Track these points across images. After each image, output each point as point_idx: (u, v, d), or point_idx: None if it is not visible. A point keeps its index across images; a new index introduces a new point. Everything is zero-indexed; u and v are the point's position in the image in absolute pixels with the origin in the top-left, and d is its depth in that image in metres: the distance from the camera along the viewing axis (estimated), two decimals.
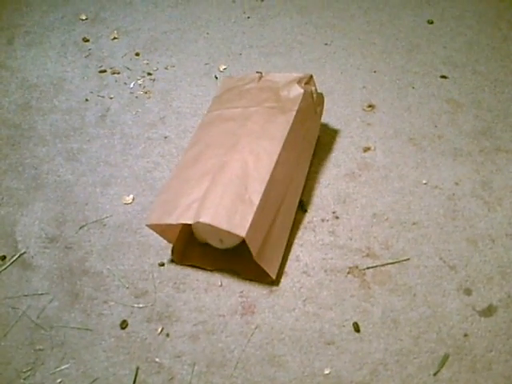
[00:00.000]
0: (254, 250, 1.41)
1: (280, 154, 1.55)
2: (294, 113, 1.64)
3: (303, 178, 1.72)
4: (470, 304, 1.49)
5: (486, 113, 1.95)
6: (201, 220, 1.40)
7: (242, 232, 1.38)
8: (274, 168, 1.51)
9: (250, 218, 1.40)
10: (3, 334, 1.44)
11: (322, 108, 1.82)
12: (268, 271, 1.48)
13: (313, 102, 1.74)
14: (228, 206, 1.42)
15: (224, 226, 1.39)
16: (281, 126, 1.61)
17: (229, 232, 1.39)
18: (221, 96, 1.78)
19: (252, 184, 1.47)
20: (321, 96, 1.80)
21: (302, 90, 1.69)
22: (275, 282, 1.53)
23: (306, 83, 1.73)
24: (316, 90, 1.76)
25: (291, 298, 1.50)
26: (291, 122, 1.62)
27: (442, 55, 2.16)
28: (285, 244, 1.58)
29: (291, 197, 1.61)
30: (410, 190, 1.73)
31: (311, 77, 1.77)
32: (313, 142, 1.80)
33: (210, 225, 1.40)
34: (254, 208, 1.42)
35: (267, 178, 1.48)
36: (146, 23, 2.31)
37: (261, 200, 1.44)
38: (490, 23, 2.29)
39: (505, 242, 1.61)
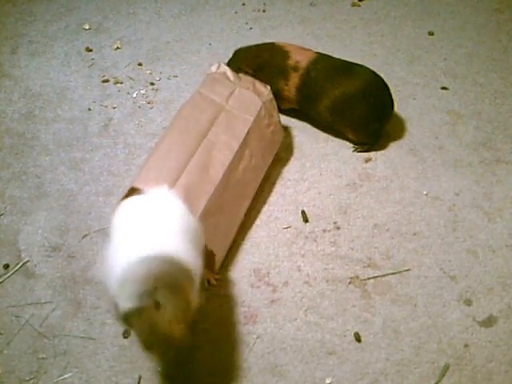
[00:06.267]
0: None
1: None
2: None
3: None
4: (470, 314, 1.50)
5: (486, 124, 1.97)
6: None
7: None
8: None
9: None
10: (6, 342, 1.45)
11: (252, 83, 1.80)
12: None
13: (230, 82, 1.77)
14: None
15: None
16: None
17: None
18: None
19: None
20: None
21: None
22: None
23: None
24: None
25: (293, 308, 1.51)
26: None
27: (443, 67, 2.18)
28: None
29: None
30: (411, 201, 1.74)
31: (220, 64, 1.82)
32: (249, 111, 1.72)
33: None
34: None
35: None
36: (149, 33, 2.32)
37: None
38: (490, 35, 2.31)
39: (505, 252, 1.62)
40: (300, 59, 1.84)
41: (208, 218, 1.47)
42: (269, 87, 1.79)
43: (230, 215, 1.60)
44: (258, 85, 1.78)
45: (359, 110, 1.80)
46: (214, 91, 1.70)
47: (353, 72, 1.82)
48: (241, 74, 1.83)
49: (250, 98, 1.72)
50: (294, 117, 1.98)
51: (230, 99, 1.69)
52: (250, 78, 1.81)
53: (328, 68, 1.83)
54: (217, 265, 1.56)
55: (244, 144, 1.62)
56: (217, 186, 1.51)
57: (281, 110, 1.88)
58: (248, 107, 1.70)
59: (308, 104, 1.86)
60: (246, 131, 1.64)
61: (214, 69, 1.80)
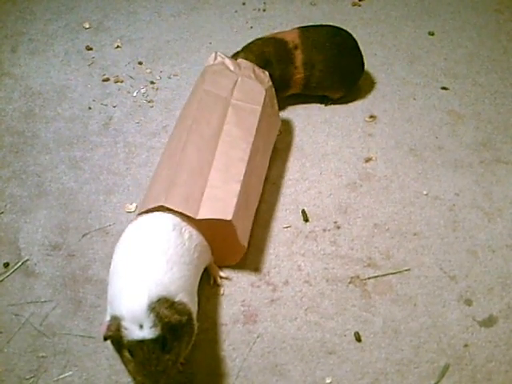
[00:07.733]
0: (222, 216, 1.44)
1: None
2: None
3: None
4: (470, 314, 1.50)
5: (486, 124, 1.97)
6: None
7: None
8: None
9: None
10: (6, 341, 1.45)
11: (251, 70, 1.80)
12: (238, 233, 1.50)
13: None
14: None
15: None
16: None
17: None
18: None
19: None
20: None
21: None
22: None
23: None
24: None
25: (293, 308, 1.51)
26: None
27: (443, 67, 2.18)
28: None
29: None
30: (411, 201, 1.74)
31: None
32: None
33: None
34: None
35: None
36: (149, 32, 2.32)
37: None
38: (490, 35, 2.31)
39: (505, 252, 1.63)
40: (292, 37, 1.92)
41: (239, 214, 1.48)
42: (267, 72, 1.79)
43: (252, 204, 1.63)
44: (258, 70, 1.78)
45: (351, 65, 1.98)
46: (218, 85, 1.69)
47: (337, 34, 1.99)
48: (239, 60, 1.80)
49: (254, 86, 1.72)
50: (294, 116, 1.99)
51: (235, 91, 1.68)
52: (248, 64, 1.79)
53: (314, 37, 1.93)
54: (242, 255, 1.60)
55: (258, 135, 1.62)
56: (242, 184, 1.50)
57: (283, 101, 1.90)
58: (253, 97, 1.69)
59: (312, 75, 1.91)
60: (256, 122, 1.64)
61: (211, 60, 1.78)
